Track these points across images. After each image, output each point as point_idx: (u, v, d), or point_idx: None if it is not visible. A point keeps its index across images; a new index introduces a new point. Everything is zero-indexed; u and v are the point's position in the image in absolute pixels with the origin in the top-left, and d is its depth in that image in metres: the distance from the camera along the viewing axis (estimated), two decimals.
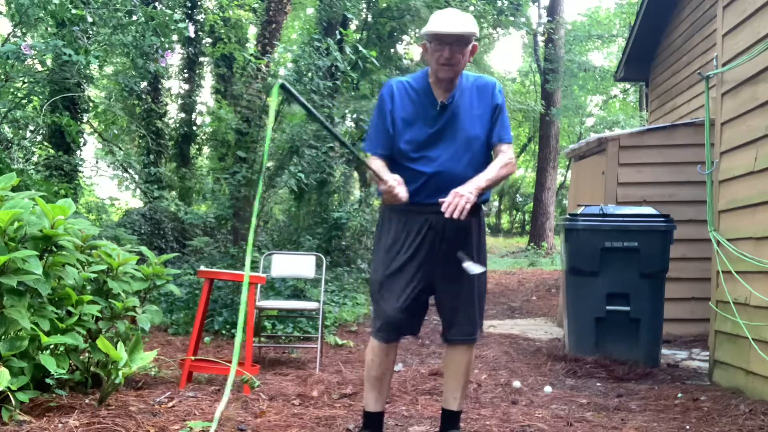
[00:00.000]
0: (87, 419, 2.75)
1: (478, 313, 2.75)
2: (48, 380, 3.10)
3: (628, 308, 4.70)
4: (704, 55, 6.74)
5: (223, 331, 5.91)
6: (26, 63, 5.96)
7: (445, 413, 2.84)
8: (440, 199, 2.44)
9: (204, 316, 4.14)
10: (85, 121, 11.08)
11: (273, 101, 2.42)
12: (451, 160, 2.62)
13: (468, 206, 2.39)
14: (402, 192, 2.50)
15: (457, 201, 2.39)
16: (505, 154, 2.69)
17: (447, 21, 2.55)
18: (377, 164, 2.61)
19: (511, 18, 13.34)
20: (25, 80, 6.68)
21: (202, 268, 5.26)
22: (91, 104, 10.85)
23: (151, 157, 12.72)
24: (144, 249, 3.94)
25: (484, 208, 2.82)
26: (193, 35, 12.19)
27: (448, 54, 2.55)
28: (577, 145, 7.16)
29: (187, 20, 7.65)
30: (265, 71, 7.27)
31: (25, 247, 2.90)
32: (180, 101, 14.30)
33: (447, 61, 2.56)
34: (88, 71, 7.44)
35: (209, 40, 14.18)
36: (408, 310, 2.67)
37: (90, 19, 6.15)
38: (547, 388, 4.08)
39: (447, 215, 2.38)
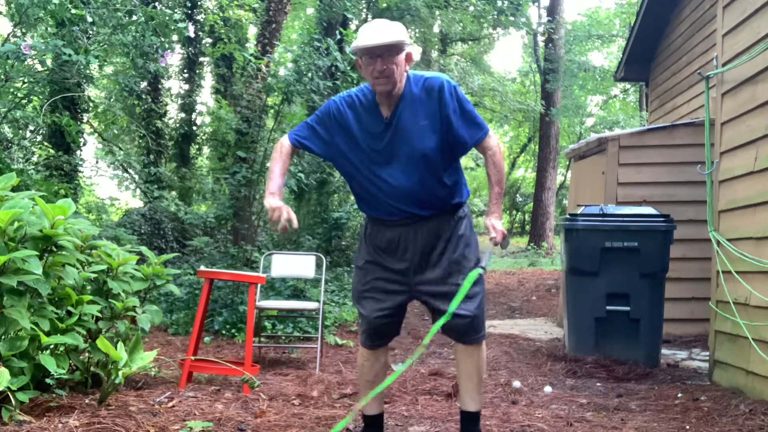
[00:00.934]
0: (87, 419, 2.75)
1: (482, 312, 2.70)
2: (48, 380, 3.10)
3: (628, 308, 4.70)
4: (704, 55, 6.75)
5: (223, 331, 5.91)
6: (26, 63, 5.95)
7: (464, 415, 2.79)
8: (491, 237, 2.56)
9: (204, 316, 4.14)
10: (85, 121, 11.09)
11: (469, 281, 2.38)
12: (404, 177, 2.56)
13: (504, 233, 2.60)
14: (281, 219, 2.46)
15: (501, 234, 2.56)
16: (489, 149, 2.64)
17: (373, 33, 2.47)
18: (275, 171, 2.60)
19: (511, 18, 13.36)
20: (25, 80, 6.68)
21: (202, 268, 5.26)
22: (91, 104, 10.85)
23: (151, 157, 12.72)
24: (144, 249, 3.94)
25: (465, 209, 2.75)
26: (193, 35, 12.20)
27: (380, 66, 2.47)
28: (577, 145, 7.16)
29: (187, 20, 7.65)
30: (265, 71, 7.27)
31: (25, 247, 2.90)
32: (180, 101, 14.30)
33: (380, 74, 2.48)
34: (88, 71, 7.44)
35: (209, 40, 14.18)
36: (387, 317, 2.68)
37: (90, 19, 6.15)
38: (547, 388, 4.08)
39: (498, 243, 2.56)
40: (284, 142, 2.68)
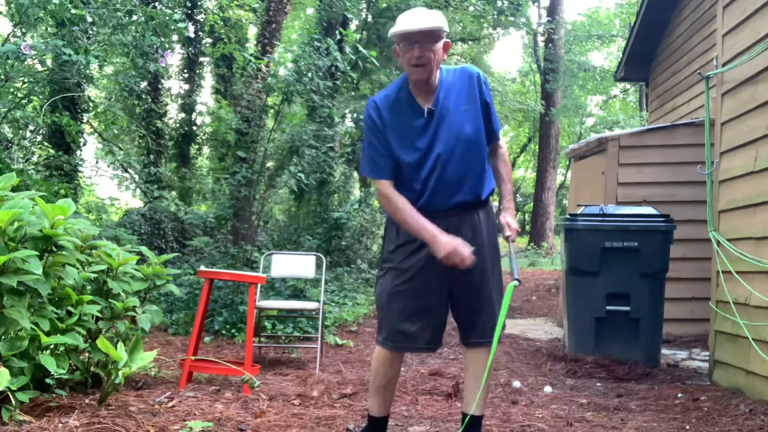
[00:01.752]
0: (87, 419, 2.75)
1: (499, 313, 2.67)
2: (48, 380, 3.10)
3: (628, 308, 4.70)
4: (704, 55, 6.75)
5: (223, 331, 5.91)
6: (26, 63, 5.95)
7: (466, 417, 2.74)
8: (507, 235, 2.59)
9: (204, 316, 4.14)
10: (85, 121, 11.08)
11: (507, 295, 2.36)
12: (450, 164, 2.56)
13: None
14: (466, 251, 2.42)
15: (516, 231, 2.62)
16: (501, 147, 2.77)
17: (412, 19, 2.49)
18: (411, 213, 2.51)
19: (511, 18, 13.34)
20: (25, 80, 6.68)
21: (202, 268, 5.26)
22: (91, 104, 10.84)
23: (151, 157, 12.71)
24: (144, 249, 3.94)
25: (491, 205, 2.77)
26: (193, 35, 12.17)
27: (417, 53, 2.48)
28: (577, 145, 7.16)
29: (187, 20, 7.63)
30: (265, 71, 7.27)
31: (25, 247, 2.90)
32: (180, 101, 14.29)
33: (417, 60, 2.49)
34: (88, 71, 7.44)
35: (209, 40, 14.18)
36: (421, 320, 2.61)
37: (90, 19, 6.15)
38: (547, 388, 4.08)
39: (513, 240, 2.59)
40: (385, 188, 2.58)
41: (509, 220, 2.63)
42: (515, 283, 2.37)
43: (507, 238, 2.60)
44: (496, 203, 3.22)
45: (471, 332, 2.67)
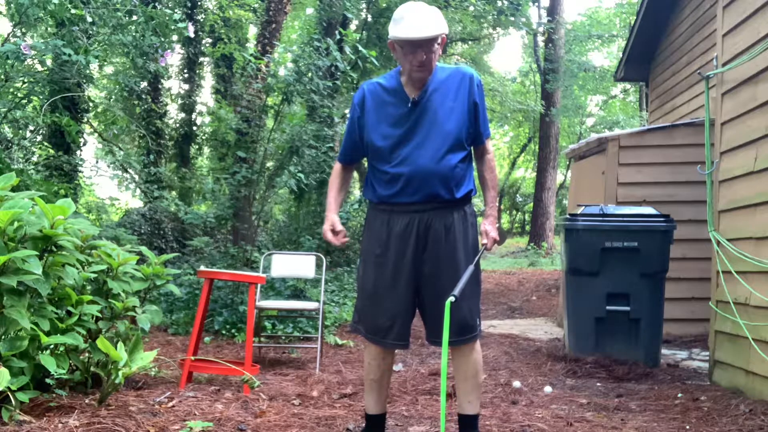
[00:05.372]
0: (87, 419, 2.75)
1: (475, 310, 2.66)
2: (48, 380, 3.10)
3: (628, 308, 4.70)
4: (704, 55, 6.74)
5: (223, 331, 5.91)
6: (26, 63, 5.95)
7: (462, 418, 2.74)
8: (482, 242, 2.65)
9: (204, 316, 4.14)
10: (85, 121, 11.08)
11: (447, 312, 2.33)
12: (425, 156, 2.57)
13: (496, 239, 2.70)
14: (332, 239, 2.74)
15: (492, 240, 2.65)
16: (488, 152, 2.78)
17: (415, 24, 2.46)
18: (330, 196, 2.85)
19: (511, 18, 13.34)
20: (25, 80, 6.67)
21: (202, 268, 5.26)
22: (91, 104, 10.84)
23: (151, 157, 12.71)
24: (144, 249, 3.94)
25: (472, 207, 2.77)
26: (193, 35, 12.17)
27: (421, 57, 2.49)
28: (577, 145, 7.16)
29: (187, 20, 7.63)
30: (265, 71, 7.27)
31: (25, 247, 2.90)
32: (180, 101, 14.30)
33: (420, 63, 2.51)
34: (88, 71, 7.43)
35: (209, 40, 14.18)
36: (399, 316, 2.64)
37: (90, 19, 6.15)
38: (547, 388, 4.08)
39: (489, 249, 2.65)
40: (335, 168, 2.88)
41: (488, 228, 2.64)
42: (452, 299, 2.32)
43: (483, 245, 2.62)
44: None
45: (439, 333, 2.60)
